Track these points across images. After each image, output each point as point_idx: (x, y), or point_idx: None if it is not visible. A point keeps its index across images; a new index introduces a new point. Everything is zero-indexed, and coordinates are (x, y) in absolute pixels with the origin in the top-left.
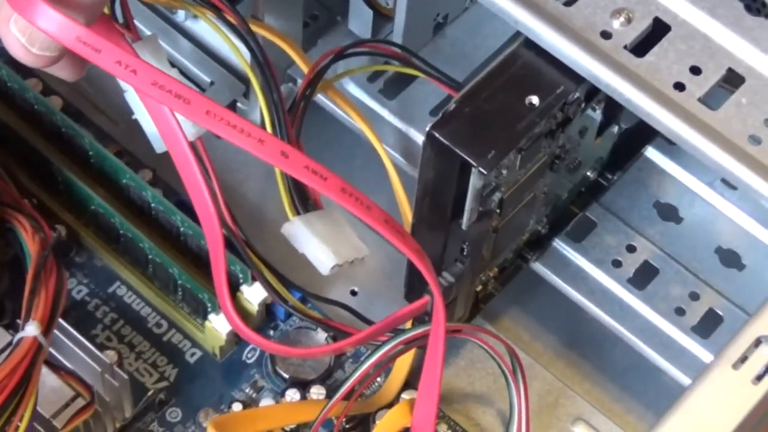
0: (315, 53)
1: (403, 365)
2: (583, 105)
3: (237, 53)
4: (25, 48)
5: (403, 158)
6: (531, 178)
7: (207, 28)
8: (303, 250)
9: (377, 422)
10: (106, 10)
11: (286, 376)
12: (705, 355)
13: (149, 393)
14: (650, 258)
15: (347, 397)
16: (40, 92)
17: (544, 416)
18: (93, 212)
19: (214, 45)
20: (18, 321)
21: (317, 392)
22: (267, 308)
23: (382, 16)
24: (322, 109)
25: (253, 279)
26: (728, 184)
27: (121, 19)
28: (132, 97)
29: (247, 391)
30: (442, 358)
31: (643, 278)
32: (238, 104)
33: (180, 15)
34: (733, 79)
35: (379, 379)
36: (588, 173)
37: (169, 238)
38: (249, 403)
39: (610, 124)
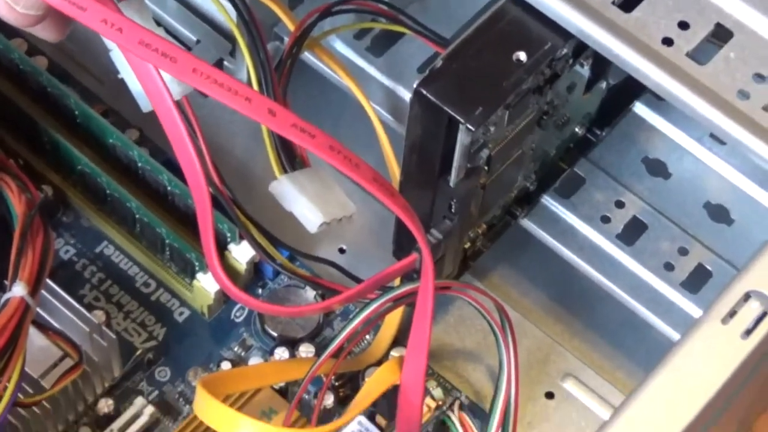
0: (301, 11)
1: (391, 323)
2: (571, 61)
3: (223, 11)
4: (9, 6)
5: (391, 115)
6: (519, 134)
7: None
8: (290, 208)
9: (366, 379)
10: None
11: (275, 334)
12: (694, 311)
13: (138, 352)
14: (639, 214)
15: (336, 354)
16: (25, 52)
17: (533, 372)
18: (80, 172)
19: (200, 3)
20: (5, 282)
21: (306, 350)
22: (255, 267)
23: None
24: (309, 67)
25: (241, 238)
26: (717, 139)
27: None
28: (117, 57)
29: (235, 349)
30: (431, 315)
31: (631, 234)
32: (225, 63)
33: None
34: (721, 34)
35: (368, 336)
36: (576, 129)
37: (156, 198)
38: (238, 362)
39: (598, 80)
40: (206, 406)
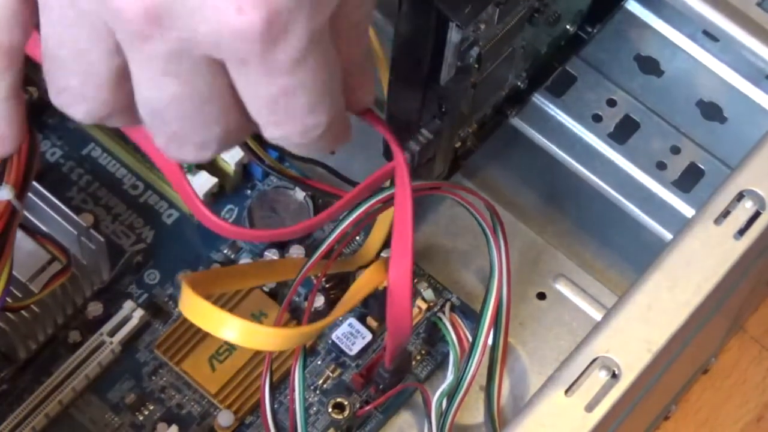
0: None
1: (382, 224)
2: None
3: None
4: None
5: (380, 13)
6: (509, 32)
7: None
8: None
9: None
10: None
11: None
12: (686, 210)
13: (126, 255)
14: (631, 112)
15: (326, 256)
16: None
17: (524, 273)
18: None
19: None
20: None
21: (296, 252)
22: (244, 168)
23: None
24: None
25: None
26: (710, 36)
27: None
28: None
29: (225, 251)
30: (411, 212)
31: (623, 133)
32: None
33: None
34: None
35: (358, 238)
36: (567, 26)
37: None
38: (228, 264)
39: None
40: (192, 305)
